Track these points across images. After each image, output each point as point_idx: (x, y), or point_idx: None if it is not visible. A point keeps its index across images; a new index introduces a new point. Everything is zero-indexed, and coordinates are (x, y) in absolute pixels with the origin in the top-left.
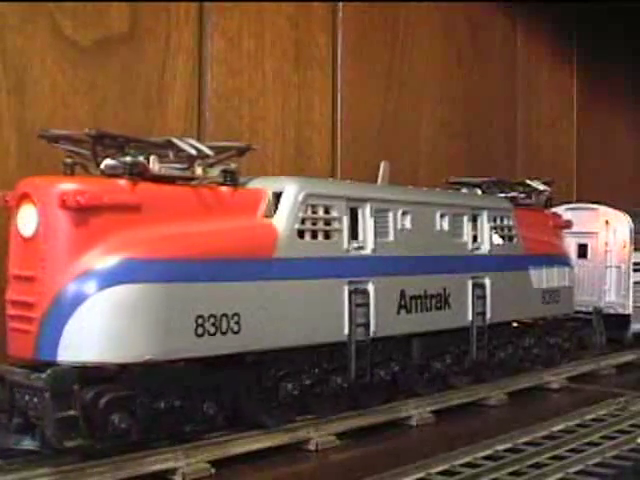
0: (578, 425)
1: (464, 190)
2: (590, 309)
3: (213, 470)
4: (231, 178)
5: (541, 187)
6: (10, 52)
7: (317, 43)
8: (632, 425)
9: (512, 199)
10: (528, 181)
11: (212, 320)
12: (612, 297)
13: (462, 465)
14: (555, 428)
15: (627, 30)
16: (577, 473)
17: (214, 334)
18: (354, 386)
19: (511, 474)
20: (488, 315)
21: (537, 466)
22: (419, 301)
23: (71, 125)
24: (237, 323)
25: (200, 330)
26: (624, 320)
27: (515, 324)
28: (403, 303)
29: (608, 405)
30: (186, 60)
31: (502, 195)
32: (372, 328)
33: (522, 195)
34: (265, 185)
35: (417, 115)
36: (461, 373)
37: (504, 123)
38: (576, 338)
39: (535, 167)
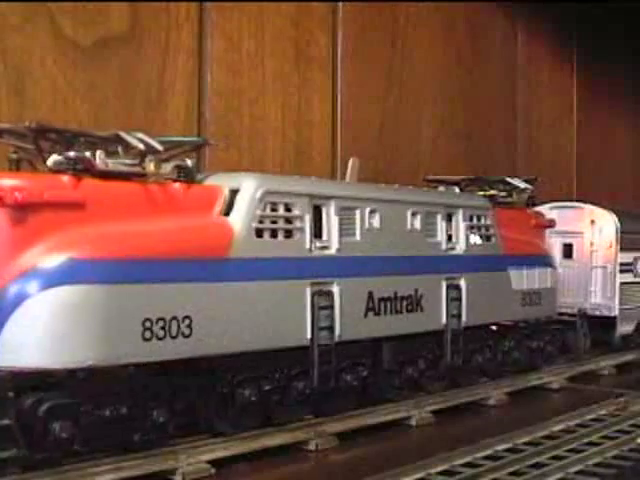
0: (578, 425)
1: (441, 188)
2: (575, 311)
3: (213, 470)
4: (185, 174)
5: (522, 185)
6: (10, 52)
7: (317, 43)
8: (632, 425)
9: (491, 197)
10: (509, 179)
11: (161, 323)
12: (598, 299)
13: (462, 465)
14: (555, 428)
15: (627, 30)
16: (577, 473)
17: (163, 338)
18: (318, 392)
19: (511, 474)
20: (464, 318)
21: (537, 466)
22: (388, 303)
23: (71, 125)
24: (188, 327)
25: (148, 334)
26: (610, 322)
27: (494, 327)
28: (371, 305)
29: (608, 405)
30: (186, 60)
31: (481, 193)
32: (337, 332)
33: (503, 193)
34: (222, 182)
35: (417, 115)
36: (435, 378)
37: (504, 123)
38: (559, 341)
39: (535, 167)
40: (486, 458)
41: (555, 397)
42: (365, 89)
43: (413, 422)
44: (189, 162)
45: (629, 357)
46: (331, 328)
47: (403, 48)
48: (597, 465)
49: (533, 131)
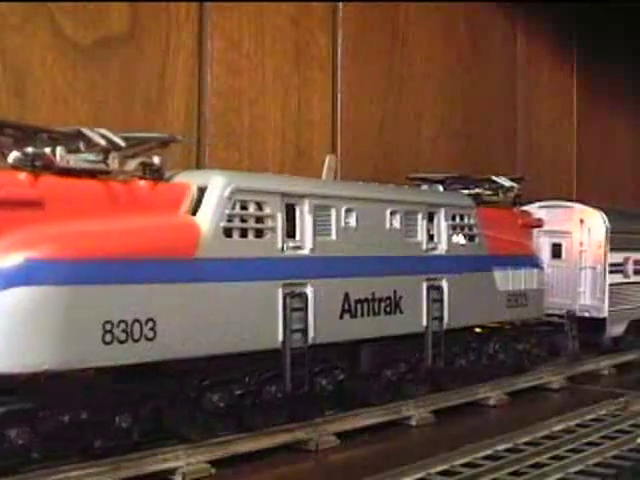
0: (578, 425)
1: (424, 187)
2: (564, 312)
3: (213, 470)
4: (151, 171)
5: (508, 184)
6: (10, 52)
7: (317, 43)
8: (632, 425)
9: (476, 196)
10: (494, 177)
11: (122, 326)
12: (587, 300)
13: (462, 465)
14: (555, 428)
15: (627, 30)
16: (577, 473)
17: (124, 341)
18: (291, 396)
19: (511, 474)
20: (446, 320)
21: (537, 466)
22: (366, 305)
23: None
24: (152, 329)
25: (108, 337)
26: (600, 324)
27: (478, 329)
28: (347, 307)
29: (608, 405)
30: (186, 60)
31: (466, 192)
32: (310, 334)
33: (488, 192)
34: (191, 179)
35: (417, 115)
36: (417, 382)
37: (504, 123)
38: (547, 343)
39: (535, 167)
40: (486, 458)
41: (555, 397)
42: (365, 89)
43: (413, 422)
44: (156, 159)
45: (629, 357)
46: (304, 330)
47: (403, 48)
48: (597, 465)
49: (533, 131)
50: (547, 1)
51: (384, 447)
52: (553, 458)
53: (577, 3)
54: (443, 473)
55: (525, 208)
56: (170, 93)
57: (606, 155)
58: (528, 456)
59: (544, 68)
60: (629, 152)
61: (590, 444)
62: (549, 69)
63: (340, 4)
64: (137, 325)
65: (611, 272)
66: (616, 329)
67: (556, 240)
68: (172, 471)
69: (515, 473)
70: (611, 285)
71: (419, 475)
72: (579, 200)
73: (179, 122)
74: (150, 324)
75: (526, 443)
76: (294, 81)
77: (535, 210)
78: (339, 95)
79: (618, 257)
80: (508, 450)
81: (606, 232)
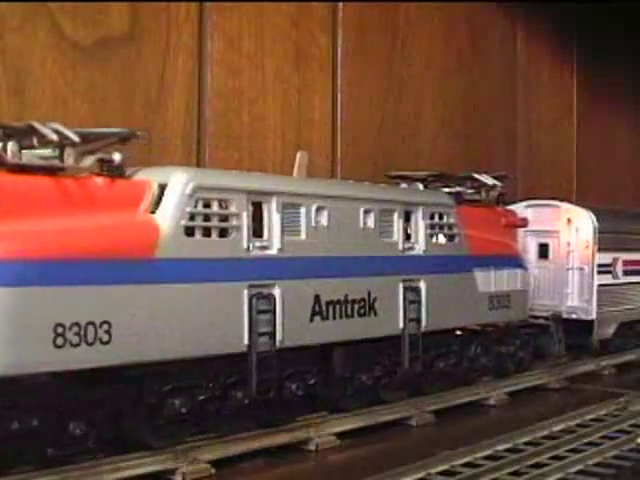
0: (578, 425)
1: (404, 185)
2: (550, 314)
3: (213, 470)
4: (109, 168)
5: (490, 182)
6: (10, 52)
7: (317, 43)
8: (632, 425)
9: (457, 195)
10: (476, 175)
11: (75, 329)
12: (574, 301)
13: (462, 465)
14: (555, 428)
15: (627, 30)
16: (577, 473)
17: (77, 345)
18: (258, 402)
19: (511, 474)
20: (423, 322)
21: (537, 466)
22: (338, 307)
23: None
24: (107, 332)
25: (60, 340)
26: (587, 326)
27: (459, 332)
28: (318, 309)
29: (608, 405)
30: (186, 60)
31: (447, 190)
32: (278, 337)
33: (470, 190)
34: (152, 176)
35: (417, 115)
36: (393, 386)
37: (504, 123)
38: (531, 346)
39: (535, 167)
40: (486, 458)
41: (555, 397)
42: (365, 89)
43: (413, 422)
44: (116, 155)
45: (629, 357)
46: (272, 334)
47: (403, 48)
48: (597, 465)
49: (533, 131)
50: (547, 1)
51: (384, 447)
52: (553, 458)
53: (577, 3)
54: (443, 473)
55: (511, 207)
56: (170, 93)
57: (606, 155)
58: (528, 456)
59: (544, 68)
60: (629, 152)
61: (590, 444)
62: (549, 69)
63: (340, 4)
64: (91, 328)
65: (599, 273)
66: (604, 331)
67: (543, 240)
68: (172, 471)
69: (515, 473)
70: (599, 286)
71: (419, 475)
72: (568, 200)
73: (179, 122)
74: (105, 327)
75: (526, 443)
76: (294, 81)
77: (521, 209)
78: (339, 95)
79: (607, 257)
80: (508, 450)
81: (594, 232)
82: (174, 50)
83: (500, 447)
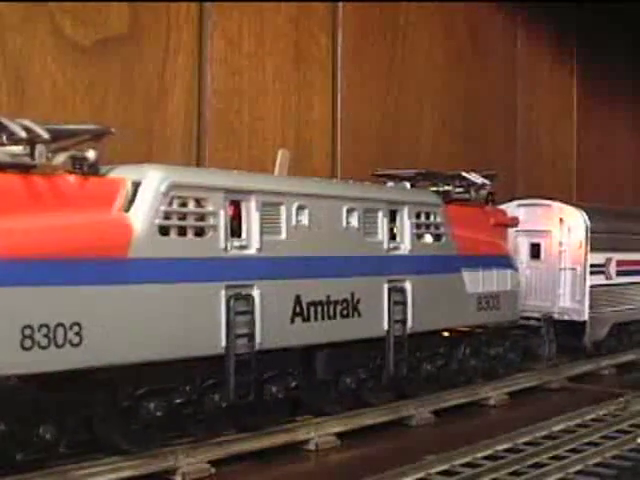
0: (578, 425)
1: (390, 183)
2: (541, 315)
3: (213, 470)
4: (82, 166)
5: (479, 180)
6: (10, 52)
7: (317, 43)
8: (632, 425)
9: (445, 194)
10: (465, 174)
11: (44, 331)
12: (566, 302)
13: (462, 465)
14: (555, 428)
15: (627, 30)
16: (577, 473)
17: (46, 347)
18: (237, 405)
19: (511, 474)
20: (409, 323)
21: (537, 466)
22: (320, 308)
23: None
24: (77, 334)
25: (28, 342)
26: (580, 328)
27: (447, 333)
28: (299, 310)
29: (608, 405)
30: (186, 60)
31: (434, 189)
32: (257, 339)
33: (459, 189)
34: (126, 174)
35: (417, 115)
36: (378, 389)
37: (504, 123)
38: (522, 348)
39: (535, 167)
40: (486, 458)
41: (555, 397)
42: (365, 89)
43: (413, 422)
44: (91, 153)
45: (629, 357)
46: (251, 335)
47: (403, 48)
48: (597, 465)
49: (533, 131)
50: (547, 1)
51: (384, 447)
52: (553, 458)
53: (577, 3)
54: (443, 473)
55: (502, 206)
56: (170, 93)
57: (606, 155)
58: (528, 456)
59: (544, 68)
60: (629, 152)
61: (590, 444)
62: (549, 69)
63: (340, 4)
64: (61, 330)
65: (592, 273)
66: (597, 333)
67: (535, 240)
68: (172, 471)
69: (515, 473)
70: (592, 287)
71: (419, 475)
72: (558, 198)
73: (179, 122)
74: (75, 329)
75: (526, 443)
76: (294, 81)
77: (513, 208)
78: (339, 95)
79: (599, 258)
80: (508, 450)
81: (587, 231)
82: (174, 50)
83: (500, 447)
